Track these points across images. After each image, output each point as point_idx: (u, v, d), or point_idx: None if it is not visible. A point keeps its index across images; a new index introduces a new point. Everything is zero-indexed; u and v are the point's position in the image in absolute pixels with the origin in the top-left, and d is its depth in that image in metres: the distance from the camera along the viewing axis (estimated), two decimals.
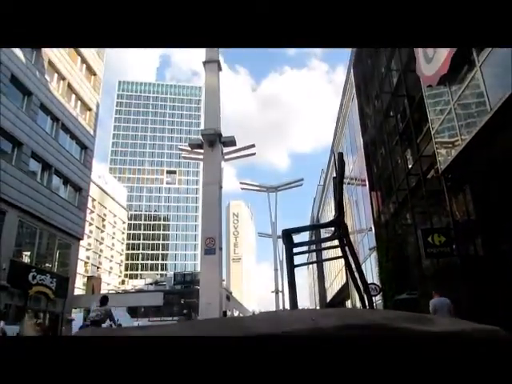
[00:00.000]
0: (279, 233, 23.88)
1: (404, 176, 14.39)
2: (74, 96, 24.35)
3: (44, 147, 20.59)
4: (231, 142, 9.92)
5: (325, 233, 25.53)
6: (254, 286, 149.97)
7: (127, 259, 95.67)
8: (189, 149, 10.91)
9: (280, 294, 26.53)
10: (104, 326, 7.81)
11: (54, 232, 21.38)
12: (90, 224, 69.60)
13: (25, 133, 18.98)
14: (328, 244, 2.86)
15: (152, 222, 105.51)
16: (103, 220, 78.73)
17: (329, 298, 39.50)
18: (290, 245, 2.49)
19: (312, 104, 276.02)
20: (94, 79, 27.07)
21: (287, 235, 2.54)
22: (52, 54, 21.74)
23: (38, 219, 19.68)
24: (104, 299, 8.19)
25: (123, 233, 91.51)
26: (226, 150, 10.24)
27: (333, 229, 2.78)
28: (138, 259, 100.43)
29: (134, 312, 34.75)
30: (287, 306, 3.72)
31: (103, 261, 78.48)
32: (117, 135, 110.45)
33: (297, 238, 2.67)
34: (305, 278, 77.80)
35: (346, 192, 23.42)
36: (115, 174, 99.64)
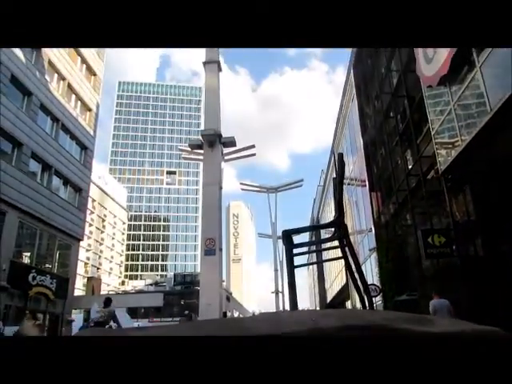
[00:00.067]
0: (279, 233, 23.87)
1: (404, 176, 14.39)
2: (74, 96, 24.36)
3: (44, 148, 20.60)
4: (231, 142, 9.92)
5: (325, 233, 25.53)
6: (254, 286, 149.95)
7: (127, 260, 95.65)
8: (189, 149, 10.92)
9: (280, 295, 26.53)
10: (108, 327, 7.87)
11: (54, 233, 21.38)
12: (90, 225, 69.62)
13: (25, 133, 18.98)
14: (328, 245, 2.86)
15: (152, 223, 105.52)
16: (103, 221, 78.74)
17: (329, 298, 39.49)
18: (290, 245, 2.49)
19: (312, 104, 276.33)
20: (94, 79, 27.08)
21: (287, 236, 2.53)
22: (52, 54, 21.75)
23: (38, 220, 19.68)
24: (108, 301, 8.32)
25: (123, 233, 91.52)
26: (226, 150, 10.23)
27: (333, 229, 2.78)
28: (138, 260, 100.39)
29: (133, 313, 34.71)
30: (287, 307, 3.72)
31: (103, 262, 78.47)
32: (117, 136, 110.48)
33: (297, 239, 2.66)
34: (305, 278, 77.85)
35: (346, 192, 23.42)
36: (115, 175, 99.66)
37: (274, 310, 22.40)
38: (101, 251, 77.64)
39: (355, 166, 23.10)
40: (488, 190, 8.59)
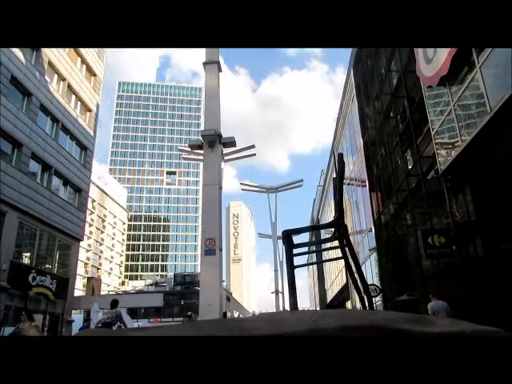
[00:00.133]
0: (279, 233, 23.89)
1: (404, 177, 14.39)
2: (73, 97, 24.35)
3: (44, 148, 20.59)
4: (231, 142, 9.92)
5: (325, 234, 25.54)
6: (254, 286, 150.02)
7: (127, 260, 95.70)
8: (189, 149, 10.93)
9: (280, 295, 26.55)
10: (114, 328, 8.03)
11: (54, 233, 21.37)
12: (90, 225, 69.68)
13: (25, 134, 18.97)
14: (328, 245, 2.86)
15: (152, 223, 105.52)
16: (103, 221, 78.76)
17: (329, 298, 39.49)
18: (290, 246, 2.49)
19: (312, 105, 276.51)
20: (94, 80, 27.08)
21: (287, 236, 2.53)
22: (52, 54, 21.76)
23: (37, 220, 19.67)
24: (114, 302, 8.56)
25: (123, 234, 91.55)
26: (225, 150, 10.25)
27: (333, 230, 2.78)
28: (138, 260, 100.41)
29: (134, 313, 34.73)
30: (287, 307, 3.72)
31: (103, 262, 78.50)
32: (117, 136, 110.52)
33: (297, 239, 2.67)
34: (305, 278, 77.99)
35: (346, 193, 23.43)
36: (115, 175, 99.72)
37: (274, 310, 22.38)
38: (101, 251, 77.66)
39: (355, 166, 23.10)
40: (488, 190, 8.59)
